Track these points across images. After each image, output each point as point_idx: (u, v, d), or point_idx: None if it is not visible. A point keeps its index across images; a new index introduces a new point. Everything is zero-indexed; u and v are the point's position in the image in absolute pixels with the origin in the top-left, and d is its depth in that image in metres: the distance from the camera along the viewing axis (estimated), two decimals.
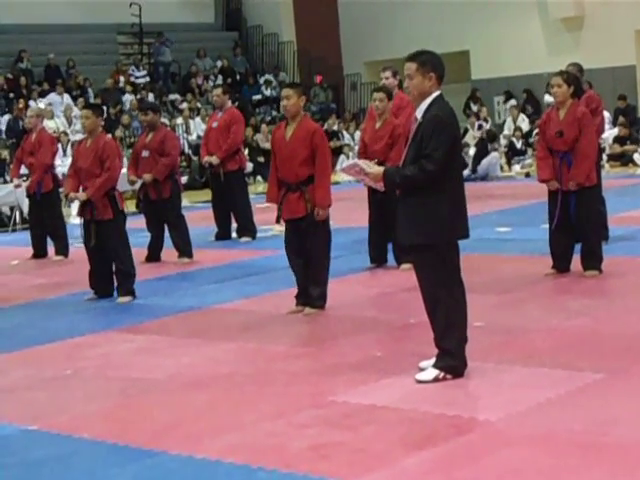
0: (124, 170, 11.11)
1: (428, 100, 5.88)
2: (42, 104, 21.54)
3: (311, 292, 8.18)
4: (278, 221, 8.29)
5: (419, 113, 5.91)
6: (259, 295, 9.14)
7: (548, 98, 21.67)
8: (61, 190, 15.00)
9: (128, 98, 25.05)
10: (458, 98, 25.45)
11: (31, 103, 22.00)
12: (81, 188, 9.50)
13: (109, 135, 11.10)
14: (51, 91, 24.27)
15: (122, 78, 25.95)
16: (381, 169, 5.95)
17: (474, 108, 25.89)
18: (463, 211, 5.95)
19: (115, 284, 9.51)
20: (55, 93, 24.12)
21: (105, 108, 19.91)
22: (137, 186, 11.89)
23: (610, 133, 21.41)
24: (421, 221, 5.84)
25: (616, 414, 5.16)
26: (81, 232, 9.56)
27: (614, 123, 22.34)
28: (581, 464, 4.50)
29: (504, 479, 4.38)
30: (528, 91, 25.62)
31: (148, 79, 26.60)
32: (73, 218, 15.68)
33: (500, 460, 4.61)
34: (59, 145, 18.68)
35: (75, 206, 11.88)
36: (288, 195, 8.10)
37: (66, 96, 24.30)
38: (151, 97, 25.05)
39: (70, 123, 23.24)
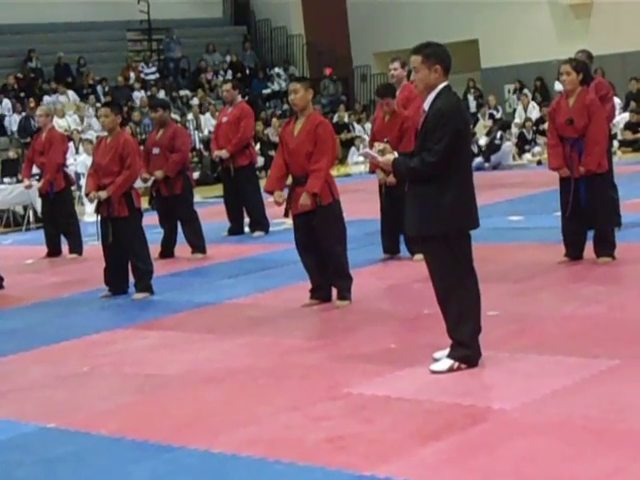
0: None
1: (435, 92, 5.88)
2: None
3: (339, 285, 8.17)
4: (286, 215, 8.28)
5: (426, 105, 5.93)
6: (273, 289, 9.17)
7: (558, 85, 21.60)
8: (74, 188, 15.08)
9: (138, 95, 25.10)
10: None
11: (44, 101, 22.01)
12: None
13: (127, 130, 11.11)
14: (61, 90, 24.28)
15: (132, 75, 25.98)
16: (391, 157, 5.98)
17: (470, 98, 25.77)
18: (471, 202, 5.93)
19: (130, 281, 9.55)
20: (58, 93, 24.08)
21: None
22: (149, 183, 11.93)
23: (622, 117, 21.31)
24: (425, 212, 5.85)
25: (632, 400, 5.16)
26: (97, 229, 9.61)
27: (625, 109, 22.25)
28: (597, 451, 4.50)
29: (520, 467, 4.38)
30: (540, 79, 25.50)
31: (158, 75, 26.64)
32: (87, 216, 15.74)
33: (516, 449, 4.61)
34: (71, 143, 18.75)
35: (90, 204, 11.90)
36: (296, 189, 8.09)
37: (71, 93, 24.25)
38: (162, 93, 25.08)
39: (82, 121, 23.28)
